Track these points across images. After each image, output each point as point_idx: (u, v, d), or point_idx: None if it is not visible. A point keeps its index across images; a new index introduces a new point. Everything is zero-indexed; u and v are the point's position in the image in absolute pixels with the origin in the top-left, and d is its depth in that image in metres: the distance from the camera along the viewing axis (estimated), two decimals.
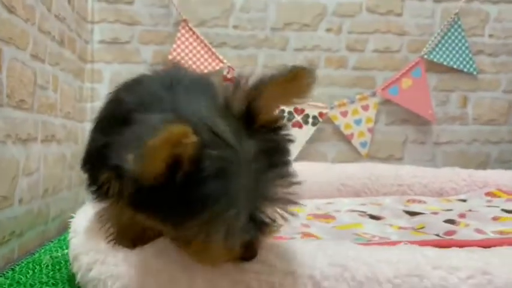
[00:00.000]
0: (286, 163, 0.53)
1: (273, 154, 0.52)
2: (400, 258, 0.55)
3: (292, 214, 0.52)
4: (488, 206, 1.35)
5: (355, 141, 1.85)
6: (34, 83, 1.15)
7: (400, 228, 1.03)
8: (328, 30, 1.86)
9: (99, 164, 0.57)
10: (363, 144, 1.86)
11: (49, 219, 1.27)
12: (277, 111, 0.54)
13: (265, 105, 0.51)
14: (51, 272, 0.89)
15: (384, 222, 1.09)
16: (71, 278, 0.84)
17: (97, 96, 1.73)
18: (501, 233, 0.96)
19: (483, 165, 1.92)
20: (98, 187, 0.61)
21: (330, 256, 0.55)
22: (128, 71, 1.78)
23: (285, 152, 0.54)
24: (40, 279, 0.84)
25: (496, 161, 1.95)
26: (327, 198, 1.59)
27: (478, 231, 0.97)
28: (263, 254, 0.56)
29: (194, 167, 0.46)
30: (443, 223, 1.08)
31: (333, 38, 1.86)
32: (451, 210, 1.31)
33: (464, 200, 1.51)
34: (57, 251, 1.06)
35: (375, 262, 0.54)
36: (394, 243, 0.75)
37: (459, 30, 1.90)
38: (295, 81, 0.51)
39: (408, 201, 1.50)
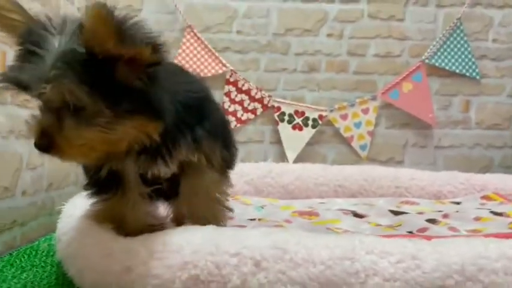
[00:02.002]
0: None
1: None
2: (338, 243, 0.59)
3: None
4: (479, 209, 1.36)
5: (355, 144, 1.88)
6: None
7: (377, 225, 1.07)
8: (329, 35, 1.90)
9: None
10: (363, 147, 1.89)
11: (54, 211, 1.35)
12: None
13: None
14: (44, 257, 0.96)
15: (364, 220, 1.12)
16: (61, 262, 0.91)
17: None
18: (474, 231, 0.98)
19: (486, 170, 1.91)
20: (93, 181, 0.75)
21: (273, 241, 0.60)
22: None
23: None
24: (33, 262, 0.92)
25: (499, 166, 1.94)
26: (322, 199, 1.63)
27: (452, 229, 1.00)
28: (213, 239, 0.62)
29: None
30: (423, 221, 1.10)
31: (334, 43, 1.90)
32: (440, 211, 1.33)
33: (458, 203, 1.52)
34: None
35: (314, 246, 0.59)
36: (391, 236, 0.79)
37: (461, 35, 1.91)
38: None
39: (401, 202, 1.52)
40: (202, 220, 0.75)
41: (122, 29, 0.56)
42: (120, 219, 0.76)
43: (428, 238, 0.88)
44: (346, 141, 1.89)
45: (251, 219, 1.05)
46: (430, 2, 1.92)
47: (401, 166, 1.89)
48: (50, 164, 1.32)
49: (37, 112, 0.64)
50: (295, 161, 1.83)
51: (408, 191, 1.69)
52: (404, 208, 1.39)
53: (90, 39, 0.57)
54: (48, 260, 0.93)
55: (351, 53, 1.91)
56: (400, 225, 1.05)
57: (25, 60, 0.61)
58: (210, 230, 0.65)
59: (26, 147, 1.16)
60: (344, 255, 0.57)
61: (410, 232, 0.98)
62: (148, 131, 0.64)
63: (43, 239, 1.15)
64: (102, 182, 0.74)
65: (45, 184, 1.28)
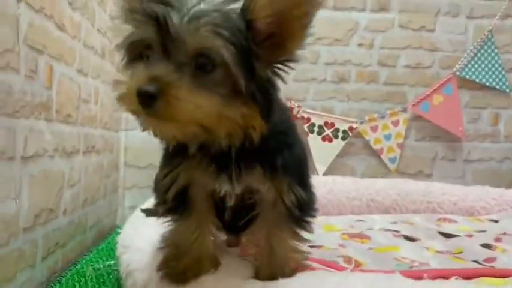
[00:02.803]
0: None
1: None
2: None
3: None
4: None
5: (385, 156, 1.85)
6: (79, 98, 1.18)
7: (437, 252, 1.03)
8: (360, 45, 1.87)
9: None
10: (392, 160, 1.86)
11: (87, 228, 1.31)
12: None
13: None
14: (96, 285, 0.91)
15: (419, 245, 1.09)
16: None
17: None
18: None
19: None
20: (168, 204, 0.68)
21: None
22: None
23: None
24: None
25: None
26: (356, 215, 1.60)
27: None
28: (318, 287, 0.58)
29: None
30: (480, 247, 1.07)
31: (365, 53, 1.87)
32: (483, 231, 1.31)
33: (496, 221, 1.50)
34: (98, 262, 1.09)
35: None
36: (442, 273, 0.75)
37: (492, 47, 1.88)
38: None
39: (439, 220, 1.49)
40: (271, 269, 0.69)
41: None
42: (180, 243, 0.70)
43: (506, 272, 0.85)
44: (376, 154, 1.86)
45: (313, 246, 1.00)
46: (461, 13, 1.89)
47: (430, 179, 1.86)
48: (86, 179, 1.27)
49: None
50: (325, 173, 1.79)
51: (440, 206, 1.67)
52: (447, 228, 1.36)
53: (264, 7, 0.56)
54: None
55: (381, 63, 1.87)
56: (461, 252, 1.02)
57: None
58: (310, 278, 0.61)
59: (68, 164, 1.11)
60: None
61: (476, 261, 0.95)
62: (255, 126, 0.59)
63: (84, 261, 1.10)
64: (172, 201, 0.68)
65: (81, 200, 1.23)
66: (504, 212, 1.59)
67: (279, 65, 0.59)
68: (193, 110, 0.53)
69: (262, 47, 0.57)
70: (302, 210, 0.69)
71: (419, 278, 0.79)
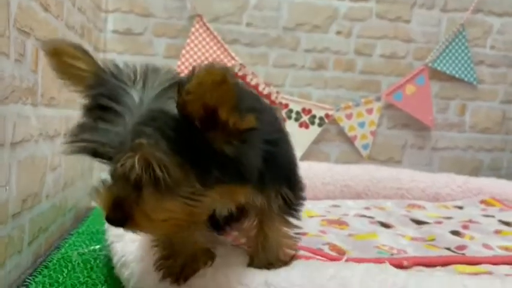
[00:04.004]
0: None
1: None
2: (443, 287, 0.60)
3: None
4: (485, 216, 1.44)
5: (358, 143, 1.91)
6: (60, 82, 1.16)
7: (412, 239, 1.10)
8: (339, 33, 1.90)
9: None
10: (365, 147, 1.92)
11: (66, 211, 1.29)
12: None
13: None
14: (85, 271, 0.92)
15: (395, 232, 1.15)
16: (107, 279, 0.87)
17: None
18: (506, 249, 1.04)
19: (476, 171, 2.01)
20: None
21: (378, 282, 0.60)
22: (140, 63, 1.78)
23: None
24: (77, 278, 0.88)
25: (488, 168, 2.04)
26: (330, 199, 1.65)
27: (486, 246, 1.05)
28: (318, 279, 0.61)
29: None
30: (450, 234, 1.15)
31: (343, 41, 1.90)
32: (450, 218, 1.39)
33: (460, 207, 1.59)
34: (81, 246, 1.09)
35: None
36: (421, 261, 0.81)
37: (463, 40, 1.96)
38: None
39: (409, 205, 1.57)
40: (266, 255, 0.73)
41: (236, 96, 0.50)
42: (174, 242, 0.72)
43: (476, 260, 0.92)
44: (350, 140, 1.92)
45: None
46: (436, 6, 1.95)
47: (400, 166, 1.94)
48: (66, 162, 1.25)
49: (106, 175, 0.56)
50: (301, 159, 1.83)
51: (409, 193, 1.75)
52: (416, 214, 1.44)
53: (194, 102, 0.50)
54: (94, 276, 0.89)
55: (358, 52, 1.91)
56: (434, 239, 1.09)
57: (98, 118, 0.53)
58: (309, 269, 0.64)
59: (51, 148, 1.09)
60: None
61: (448, 249, 1.02)
62: (236, 197, 0.60)
63: (67, 245, 1.10)
64: None
65: (62, 184, 1.22)
66: (468, 199, 1.69)
67: (240, 135, 0.54)
68: (161, 222, 0.55)
69: (212, 132, 0.53)
70: (291, 205, 0.73)
71: (400, 265, 0.84)
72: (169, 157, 0.51)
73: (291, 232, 0.76)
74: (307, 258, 0.74)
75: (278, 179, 0.69)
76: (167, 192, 0.53)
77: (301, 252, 0.81)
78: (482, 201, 1.65)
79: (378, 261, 0.74)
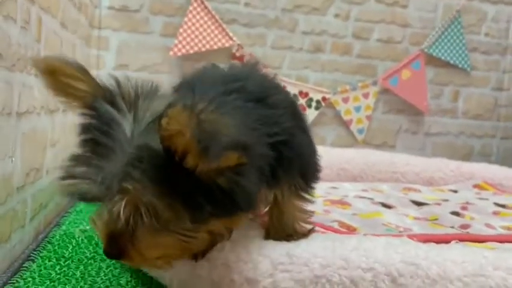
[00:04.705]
0: None
1: None
2: (465, 258, 0.60)
3: None
4: (480, 199, 1.46)
5: (354, 127, 1.92)
6: (60, 53, 1.12)
7: (415, 218, 1.11)
8: (337, 15, 1.88)
9: None
10: (360, 131, 1.93)
11: None
12: None
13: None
14: (90, 246, 0.90)
15: (398, 212, 1.16)
16: None
17: (103, 64, 1.69)
18: (509, 228, 1.05)
19: (467, 157, 2.04)
20: None
21: (402, 255, 0.60)
22: (136, 41, 1.75)
23: None
24: (83, 253, 0.86)
25: (478, 154, 2.07)
26: (327, 182, 1.66)
27: (488, 225, 1.06)
28: (340, 249, 0.61)
29: None
30: (451, 215, 1.16)
31: (341, 24, 1.89)
32: (447, 200, 1.41)
33: (455, 191, 1.61)
34: (81, 224, 1.07)
35: (442, 261, 0.60)
36: (443, 238, 0.82)
37: (459, 27, 1.97)
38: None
39: (404, 189, 1.59)
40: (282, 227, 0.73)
41: (206, 142, 0.46)
42: None
43: (482, 237, 0.93)
44: (345, 124, 1.92)
45: None
46: None
47: (394, 151, 1.96)
48: (65, 138, 1.22)
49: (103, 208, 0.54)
50: None
51: (404, 176, 1.77)
52: (413, 196, 1.45)
53: (167, 140, 0.48)
54: (100, 251, 0.87)
55: (356, 35, 1.91)
56: (437, 219, 1.10)
57: (91, 151, 0.53)
58: (329, 241, 0.64)
59: (51, 123, 1.06)
60: (475, 271, 0.59)
61: (452, 227, 1.03)
62: (235, 224, 0.59)
63: (67, 222, 1.07)
64: None
65: (60, 160, 1.19)
66: (461, 183, 1.71)
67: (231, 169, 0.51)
68: (155, 258, 0.55)
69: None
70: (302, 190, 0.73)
71: None
72: (158, 199, 0.50)
73: (305, 206, 0.76)
74: (324, 231, 0.74)
75: (291, 172, 0.68)
76: (159, 228, 0.52)
77: (316, 228, 0.81)
78: (475, 186, 1.67)
79: (398, 236, 0.74)
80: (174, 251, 0.55)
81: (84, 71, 0.57)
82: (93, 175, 0.52)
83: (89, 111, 0.55)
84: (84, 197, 0.54)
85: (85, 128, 0.56)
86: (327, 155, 1.69)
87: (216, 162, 0.48)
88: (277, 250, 0.62)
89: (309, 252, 0.61)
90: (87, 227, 1.04)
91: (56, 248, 0.88)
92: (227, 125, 0.51)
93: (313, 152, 0.77)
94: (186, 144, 0.47)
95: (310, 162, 0.75)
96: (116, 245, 0.53)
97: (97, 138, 0.53)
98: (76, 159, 0.55)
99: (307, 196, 0.75)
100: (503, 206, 1.35)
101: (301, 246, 0.63)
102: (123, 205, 0.50)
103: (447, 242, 0.90)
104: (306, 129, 0.76)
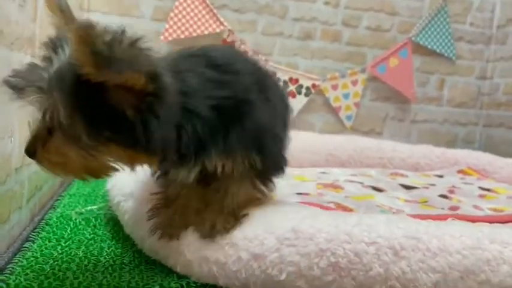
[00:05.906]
0: None
1: None
2: (463, 233, 0.63)
3: None
4: (465, 183, 1.50)
5: (342, 114, 1.94)
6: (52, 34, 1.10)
7: (406, 201, 1.14)
8: (327, 3, 1.90)
9: None
10: (349, 118, 1.95)
11: None
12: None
13: None
14: (88, 228, 0.90)
15: (389, 195, 1.19)
16: (114, 236, 0.86)
17: None
18: (495, 210, 1.09)
19: (451, 144, 2.09)
20: None
21: (404, 229, 0.62)
22: (126, 25, 1.71)
23: None
24: (83, 234, 0.86)
25: (462, 141, 2.12)
26: (317, 167, 1.68)
27: (476, 207, 1.10)
28: (343, 225, 0.63)
29: None
30: (440, 198, 1.20)
31: (330, 12, 1.90)
32: (434, 185, 1.44)
33: (441, 176, 1.66)
34: (76, 206, 1.07)
35: (442, 235, 0.62)
36: (439, 217, 0.84)
37: (445, 16, 2.00)
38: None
39: (392, 174, 1.62)
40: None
41: (104, 53, 0.49)
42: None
43: (472, 218, 0.97)
44: (334, 111, 1.94)
45: (300, 194, 1.06)
46: None
47: (381, 137, 1.99)
48: None
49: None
50: None
51: (390, 162, 1.80)
52: (401, 180, 1.49)
53: (75, 59, 0.51)
54: (100, 233, 0.88)
55: (345, 23, 1.93)
56: (427, 201, 1.13)
57: (40, 63, 0.61)
58: (332, 218, 0.65)
59: None
60: (474, 244, 0.61)
61: (443, 209, 1.06)
62: (138, 161, 0.62)
63: (62, 205, 1.07)
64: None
65: None
66: (446, 169, 1.76)
67: (144, 100, 0.55)
68: (60, 164, 0.60)
69: (111, 91, 0.54)
70: (258, 174, 0.71)
71: None
72: (63, 105, 0.55)
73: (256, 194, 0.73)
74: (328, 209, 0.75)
75: (245, 143, 0.66)
76: (69, 141, 0.58)
77: (313, 208, 0.82)
78: (460, 171, 1.72)
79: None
80: (74, 164, 0.59)
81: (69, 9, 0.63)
82: (33, 77, 0.58)
83: (53, 38, 0.62)
84: (21, 93, 0.58)
85: (47, 46, 0.61)
86: (316, 141, 1.76)
87: (116, 76, 0.51)
88: (283, 226, 0.64)
89: (314, 228, 0.63)
90: (83, 210, 1.05)
91: (55, 229, 0.88)
92: (147, 58, 0.55)
93: (275, 136, 0.73)
94: (83, 53, 0.50)
95: (271, 145, 0.71)
96: (33, 146, 0.61)
97: (45, 54, 0.60)
98: (27, 66, 0.61)
99: (261, 187, 0.73)
100: (488, 189, 1.40)
101: (306, 222, 0.64)
102: (39, 102, 0.57)
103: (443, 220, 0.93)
104: (273, 111, 0.72)
